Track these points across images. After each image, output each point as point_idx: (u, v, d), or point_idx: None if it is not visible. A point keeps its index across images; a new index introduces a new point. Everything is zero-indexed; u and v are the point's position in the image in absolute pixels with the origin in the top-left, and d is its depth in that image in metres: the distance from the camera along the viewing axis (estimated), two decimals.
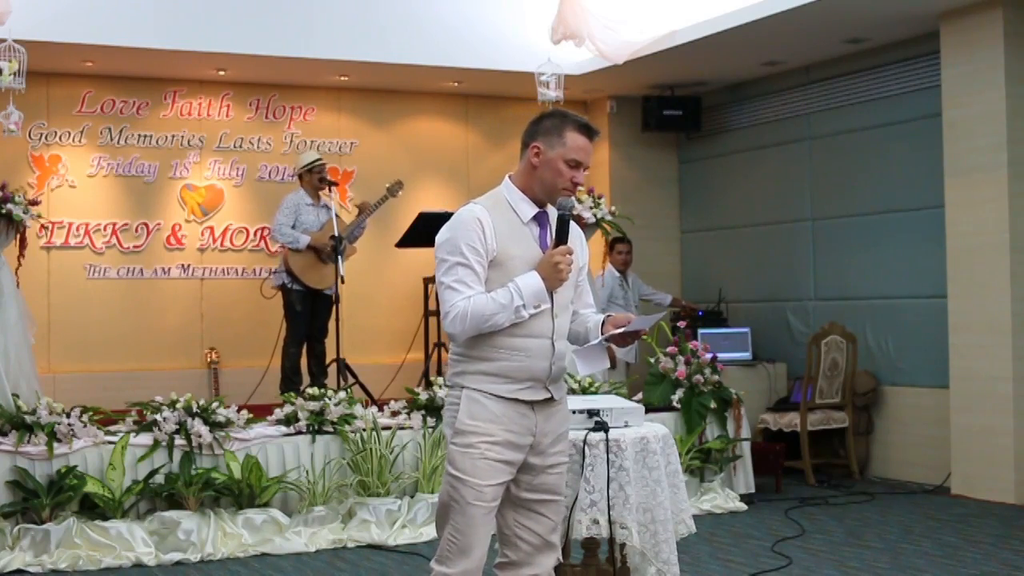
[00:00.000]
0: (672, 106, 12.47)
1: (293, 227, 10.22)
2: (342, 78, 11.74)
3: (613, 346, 11.07)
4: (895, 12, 9.55)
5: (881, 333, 10.69)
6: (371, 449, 8.21)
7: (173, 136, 11.64)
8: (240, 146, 11.89)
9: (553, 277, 4.16)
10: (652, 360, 9.56)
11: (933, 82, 10.06)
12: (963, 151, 9.52)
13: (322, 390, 8.61)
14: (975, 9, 9.32)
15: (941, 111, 9.77)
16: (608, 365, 4.58)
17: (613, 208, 10.37)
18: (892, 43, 10.50)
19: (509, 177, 4.31)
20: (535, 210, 4.25)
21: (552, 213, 4.29)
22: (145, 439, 7.89)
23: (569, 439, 5.31)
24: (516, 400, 4.16)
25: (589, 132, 4.26)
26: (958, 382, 9.53)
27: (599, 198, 10.24)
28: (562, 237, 4.21)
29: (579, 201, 10.01)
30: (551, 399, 4.27)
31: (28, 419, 7.70)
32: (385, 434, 8.32)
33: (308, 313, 10.34)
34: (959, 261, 9.55)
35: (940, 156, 9.75)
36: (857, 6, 9.36)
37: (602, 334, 4.36)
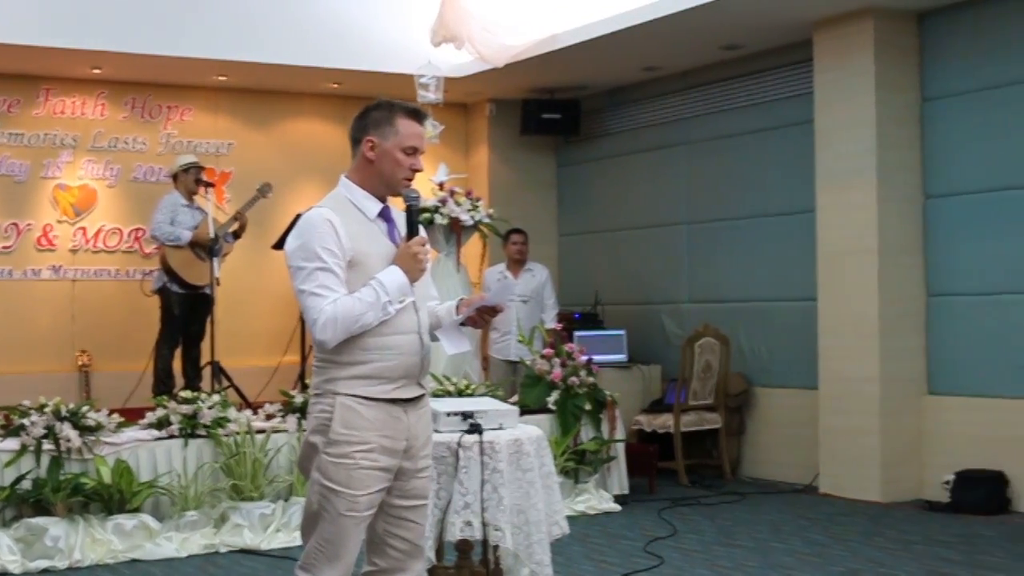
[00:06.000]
0: (551, 110, 12.54)
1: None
2: (220, 78, 11.62)
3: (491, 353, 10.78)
4: (770, 20, 9.71)
5: (753, 335, 10.87)
6: (245, 453, 8.13)
7: (46, 135, 11.42)
8: (115, 146, 11.71)
9: (414, 268, 4.14)
10: (528, 362, 9.62)
11: (806, 89, 10.23)
12: (834, 157, 9.71)
13: (195, 393, 8.51)
14: (847, 18, 9.51)
15: (814, 117, 9.95)
16: (469, 347, 4.59)
17: (491, 210, 10.39)
18: (767, 50, 10.68)
19: (345, 176, 4.26)
20: (379, 206, 4.21)
21: (395, 207, 4.29)
22: (12, 444, 7.69)
23: (444, 441, 5.36)
24: (391, 402, 4.12)
25: (419, 117, 4.24)
26: (827, 384, 9.72)
27: (477, 200, 10.26)
28: (413, 228, 4.21)
29: (457, 204, 10.03)
30: (422, 396, 4.27)
31: None
32: (259, 437, 8.25)
33: (185, 316, 10.27)
34: (829, 265, 9.74)
35: (812, 162, 9.93)
36: (733, 13, 9.50)
37: (457, 315, 4.36)
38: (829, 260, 9.74)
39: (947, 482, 9.02)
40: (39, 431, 7.71)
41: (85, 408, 7.93)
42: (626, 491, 9.45)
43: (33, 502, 7.57)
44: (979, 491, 8.81)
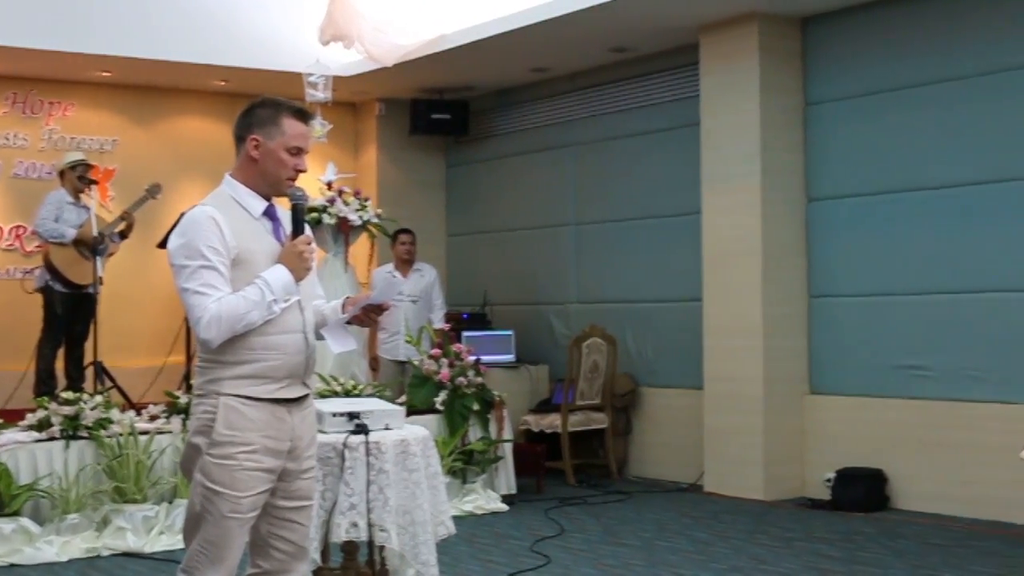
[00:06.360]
0: (440, 110, 12.55)
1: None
2: (104, 74, 11.44)
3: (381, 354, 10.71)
4: (657, 23, 9.81)
5: (640, 336, 10.97)
6: (128, 454, 8.00)
7: None
8: None
9: (299, 267, 4.12)
10: (416, 362, 9.62)
11: (693, 92, 10.34)
12: (719, 159, 9.83)
13: (78, 394, 8.36)
14: (732, 23, 9.64)
15: (700, 120, 10.06)
16: (355, 346, 4.57)
17: (379, 210, 10.37)
18: (655, 53, 10.78)
19: (229, 174, 4.23)
20: (264, 204, 4.19)
21: (280, 206, 4.27)
22: None
23: (329, 442, 5.33)
24: (275, 402, 4.09)
25: (304, 117, 4.23)
26: (711, 383, 9.85)
27: (365, 200, 10.23)
28: (299, 227, 4.19)
29: (346, 203, 9.99)
30: (307, 396, 4.24)
31: None
32: (143, 439, 8.13)
33: (68, 316, 10.09)
34: (714, 266, 9.86)
35: (698, 164, 10.04)
36: (622, 16, 9.57)
37: (343, 314, 4.36)
38: (714, 261, 9.87)
39: (828, 480, 9.20)
40: None
41: None
42: (514, 491, 9.48)
43: None
44: (859, 489, 8.99)
